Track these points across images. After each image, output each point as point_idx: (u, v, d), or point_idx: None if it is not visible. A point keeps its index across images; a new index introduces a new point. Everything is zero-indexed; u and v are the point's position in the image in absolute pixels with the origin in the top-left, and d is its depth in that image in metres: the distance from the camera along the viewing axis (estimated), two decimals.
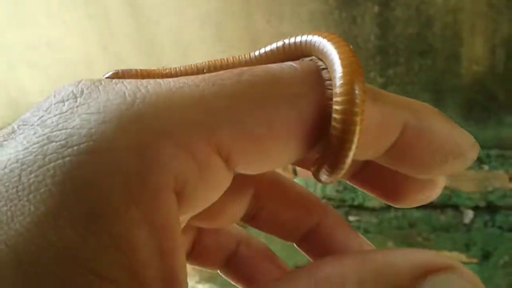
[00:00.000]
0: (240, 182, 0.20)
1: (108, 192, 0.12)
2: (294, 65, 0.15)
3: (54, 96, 0.14)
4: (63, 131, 0.12)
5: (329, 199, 0.81)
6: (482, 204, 0.73)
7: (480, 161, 0.74)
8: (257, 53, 0.17)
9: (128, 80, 0.14)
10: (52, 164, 0.12)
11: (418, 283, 0.12)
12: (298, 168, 0.76)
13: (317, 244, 0.22)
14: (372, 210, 0.79)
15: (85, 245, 0.12)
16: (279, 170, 0.24)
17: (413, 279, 0.12)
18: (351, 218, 0.80)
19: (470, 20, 0.71)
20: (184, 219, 0.15)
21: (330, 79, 0.15)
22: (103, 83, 0.14)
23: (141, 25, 0.78)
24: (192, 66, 0.18)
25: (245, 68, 0.15)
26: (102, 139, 0.12)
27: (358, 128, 0.14)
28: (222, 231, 0.23)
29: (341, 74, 0.14)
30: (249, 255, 0.23)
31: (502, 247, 0.74)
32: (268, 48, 0.17)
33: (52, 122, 0.13)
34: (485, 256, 0.76)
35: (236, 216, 0.21)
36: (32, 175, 0.12)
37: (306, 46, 0.16)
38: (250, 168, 0.15)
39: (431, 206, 0.75)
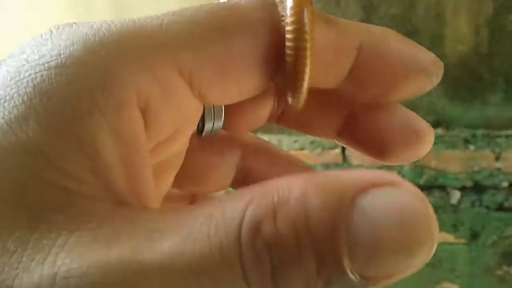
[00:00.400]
0: (226, 145, 0.21)
1: (74, 100, 0.13)
2: None
3: (38, 34, 0.16)
4: (37, 54, 0.14)
5: None
6: (469, 184, 0.73)
7: (466, 141, 0.74)
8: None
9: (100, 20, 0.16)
10: (25, 79, 0.13)
11: (361, 195, 0.11)
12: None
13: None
14: None
15: (53, 144, 0.13)
16: None
17: (357, 191, 0.11)
18: None
19: (453, 0, 0.71)
20: (152, 142, 0.15)
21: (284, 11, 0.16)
22: (76, 22, 0.15)
23: (122, 11, 0.78)
24: None
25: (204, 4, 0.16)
26: (69, 57, 0.14)
27: (309, 53, 0.15)
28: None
29: (291, 5, 0.15)
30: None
31: (489, 226, 0.75)
32: None
33: (30, 49, 0.14)
34: (473, 236, 0.76)
35: (226, 180, 0.22)
36: (8, 88, 0.14)
37: None
38: (217, 94, 0.16)
39: (418, 187, 0.75)
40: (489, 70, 0.71)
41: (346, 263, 0.11)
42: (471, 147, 0.73)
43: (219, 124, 0.19)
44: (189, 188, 0.22)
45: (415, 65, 0.17)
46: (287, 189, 0.12)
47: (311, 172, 0.14)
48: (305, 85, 0.16)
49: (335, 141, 0.20)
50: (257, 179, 0.22)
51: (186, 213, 0.12)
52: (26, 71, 0.14)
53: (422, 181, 0.75)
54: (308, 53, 0.15)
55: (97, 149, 0.13)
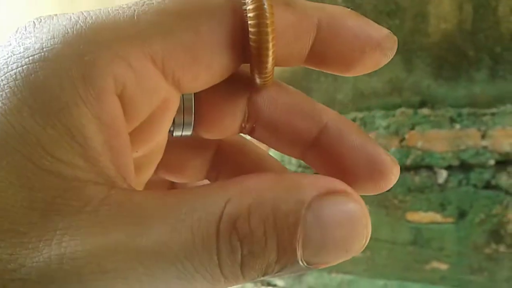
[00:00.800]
0: (202, 139, 0.22)
1: (59, 91, 0.14)
2: None
3: (21, 26, 0.16)
4: (22, 46, 0.15)
5: (305, 167, 0.80)
6: (455, 163, 0.73)
7: (452, 120, 0.73)
8: None
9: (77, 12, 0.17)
10: (13, 71, 0.14)
11: (317, 200, 0.15)
12: None
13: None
14: None
15: (45, 132, 0.14)
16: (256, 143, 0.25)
17: (314, 197, 0.15)
18: None
19: None
20: (131, 126, 0.17)
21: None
22: (58, 15, 0.16)
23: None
24: None
25: None
26: (51, 51, 0.15)
27: (270, 36, 0.16)
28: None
29: None
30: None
31: (477, 205, 0.75)
32: None
33: (15, 41, 0.15)
34: (461, 214, 0.76)
35: (201, 172, 0.24)
36: None
37: None
38: (189, 79, 0.17)
39: (405, 168, 0.75)
40: (473, 47, 0.70)
41: (299, 253, 0.15)
42: (457, 126, 0.73)
43: (187, 133, 0.21)
44: (164, 176, 0.23)
45: (371, 41, 0.18)
46: (260, 191, 0.15)
47: (280, 174, 0.16)
48: (270, 66, 0.17)
49: (304, 160, 0.21)
50: (231, 172, 0.24)
51: (171, 200, 0.14)
52: (13, 63, 0.15)
53: (408, 161, 0.75)
54: (270, 37, 0.16)
55: (85, 136, 0.14)
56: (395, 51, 0.18)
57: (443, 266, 0.81)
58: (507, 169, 0.72)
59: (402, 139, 0.76)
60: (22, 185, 0.13)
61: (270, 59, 0.17)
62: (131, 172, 0.16)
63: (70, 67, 0.14)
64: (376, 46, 0.18)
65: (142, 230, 0.14)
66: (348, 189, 0.15)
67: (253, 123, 0.20)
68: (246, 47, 0.17)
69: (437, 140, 0.73)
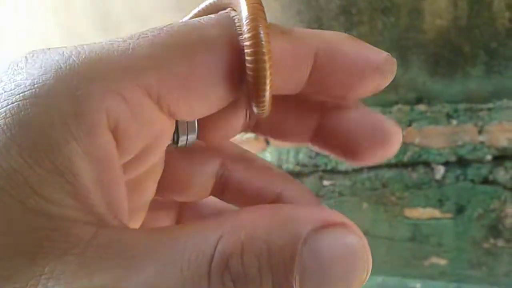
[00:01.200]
0: (205, 154, 0.22)
1: (49, 128, 0.14)
2: (211, 15, 0.17)
3: (14, 61, 0.16)
4: (13, 83, 0.15)
5: (303, 165, 0.80)
6: (453, 159, 0.73)
7: (448, 116, 0.74)
8: (190, 15, 0.20)
9: (70, 46, 0.16)
10: (4, 109, 0.14)
11: (315, 233, 0.14)
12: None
13: None
14: (345, 173, 0.79)
15: (34, 173, 0.13)
16: (253, 143, 0.24)
17: (310, 231, 0.14)
18: (325, 182, 0.80)
19: None
20: (124, 159, 0.17)
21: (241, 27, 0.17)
22: (50, 49, 0.16)
23: None
24: None
25: (167, 24, 0.17)
26: (42, 87, 0.14)
27: (267, 65, 0.16)
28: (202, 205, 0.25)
29: (247, 20, 0.16)
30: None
31: (475, 200, 0.75)
32: (197, 9, 0.19)
33: (7, 78, 0.15)
34: (459, 210, 0.76)
35: (206, 188, 0.23)
36: None
37: (224, 2, 0.18)
38: (184, 110, 0.17)
39: (402, 164, 0.75)
40: (469, 43, 0.70)
41: None
42: (454, 121, 0.73)
43: (193, 136, 0.20)
44: (170, 197, 0.23)
45: (369, 66, 0.18)
46: (253, 227, 0.14)
47: (275, 207, 0.15)
48: (267, 95, 0.17)
49: (309, 146, 0.21)
50: (236, 186, 0.23)
51: (162, 239, 0.14)
52: (4, 100, 0.14)
53: (406, 158, 0.75)
54: (267, 65, 0.16)
55: (74, 173, 0.14)
56: (395, 73, 0.18)
57: (442, 262, 0.81)
58: (504, 164, 0.72)
59: None
60: (9, 229, 0.13)
61: (267, 87, 0.16)
62: (123, 206, 0.16)
63: (61, 103, 0.14)
64: (375, 70, 0.18)
65: (129, 273, 0.13)
66: (346, 220, 0.15)
67: (256, 119, 0.20)
68: (243, 76, 0.17)
69: (434, 136, 0.74)
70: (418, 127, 0.74)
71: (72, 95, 0.14)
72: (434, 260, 0.81)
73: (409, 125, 0.75)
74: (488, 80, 0.71)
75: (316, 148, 0.21)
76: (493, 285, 0.81)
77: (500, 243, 0.77)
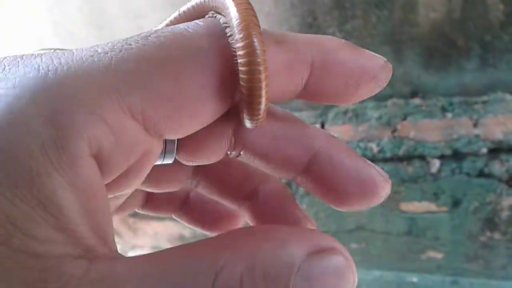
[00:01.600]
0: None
1: (27, 159, 0.13)
2: (199, 22, 0.16)
3: None
4: None
5: None
6: (448, 152, 0.73)
7: (443, 109, 0.74)
8: (175, 15, 0.18)
9: (46, 53, 0.15)
10: None
11: (306, 261, 0.14)
12: None
13: (256, 209, 0.22)
14: None
15: (17, 210, 0.13)
16: None
17: (301, 259, 0.14)
18: None
19: None
20: (108, 180, 0.16)
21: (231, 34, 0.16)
22: (23, 58, 0.15)
23: None
24: None
25: (152, 30, 0.16)
26: (18, 113, 0.13)
27: (263, 76, 0.15)
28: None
29: (239, 29, 0.15)
30: (201, 199, 0.25)
31: (471, 193, 0.75)
32: (181, 9, 0.18)
33: None
34: (455, 203, 0.76)
35: (180, 183, 0.23)
36: None
37: (211, 4, 0.17)
38: (172, 129, 0.16)
39: (397, 158, 0.75)
40: (463, 36, 0.70)
41: None
42: (449, 115, 0.73)
43: (169, 161, 0.19)
44: (144, 188, 0.22)
45: (366, 75, 0.17)
46: (252, 259, 0.14)
47: (268, 229, 0.16)
48: (262, 107, 0.16)
49: (295, 181, 0.21)
50: (212, 183, 0.23)
51: (157, 271, 0.13)
52: None
53: (401, 152, 0.75)
54: (263, 76, 0.15)
55: (59, 206, 0.13)
56: (390, 78, 0.18)
57: (439, 255, 0.81)
58: (500, 157, 0.72)
59: (394, 130, 0.76)
60: None
61: (263, 100, 0.15)
62: (110, 230, 0.15)
63: (39, 131, 0.13)
64: (371, 79, 0.17)
65: None
66: (336, 244, 0.15)
67: (240, 150, 0.20)
68: (235, 88, 0.16)
69: (429, 130, 0.74)
70: (413, 120, 0.74)
71: (50, 122, 0.13)
72: (431, 253, 0.81)
73: (404, 119, 0.75)
74: (482, 73, 0.71)
75: (300, 186, 0.21)
76: (490, 278, 0.81)
77: (497, 236, 0.77)
